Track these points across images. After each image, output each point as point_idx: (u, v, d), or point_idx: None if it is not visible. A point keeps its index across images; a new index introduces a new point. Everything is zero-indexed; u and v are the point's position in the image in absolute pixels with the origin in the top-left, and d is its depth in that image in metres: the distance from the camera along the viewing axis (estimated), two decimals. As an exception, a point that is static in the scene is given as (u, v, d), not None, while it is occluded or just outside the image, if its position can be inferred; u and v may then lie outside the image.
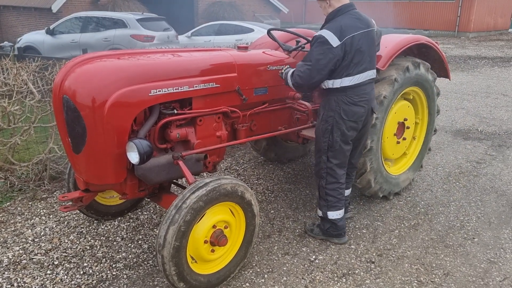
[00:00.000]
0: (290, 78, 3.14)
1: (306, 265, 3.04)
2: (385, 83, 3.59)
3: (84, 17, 12.01)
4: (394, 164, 4.23)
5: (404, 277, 2.93)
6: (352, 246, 3.30)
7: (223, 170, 4.81)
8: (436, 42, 4.11)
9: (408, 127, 4.05)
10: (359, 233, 3.48)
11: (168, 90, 2.75)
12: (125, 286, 2.81)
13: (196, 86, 2.91)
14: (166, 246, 2.40)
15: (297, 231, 3.50)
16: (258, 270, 2.99)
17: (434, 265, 3.07)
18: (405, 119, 3.98)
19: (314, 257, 3.15)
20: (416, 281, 2.89)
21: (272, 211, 3.83)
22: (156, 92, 2.69)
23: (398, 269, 3.02)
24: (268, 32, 3.87)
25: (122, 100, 2.53)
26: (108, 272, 2.95)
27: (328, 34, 2.91)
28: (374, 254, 3.20)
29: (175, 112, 2.87)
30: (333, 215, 3.24)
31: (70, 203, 2.97)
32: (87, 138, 2.53)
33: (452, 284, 2.86)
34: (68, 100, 2.51)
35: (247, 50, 3.52)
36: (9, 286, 2.78)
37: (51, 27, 12.12)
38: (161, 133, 2.89)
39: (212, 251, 2.69)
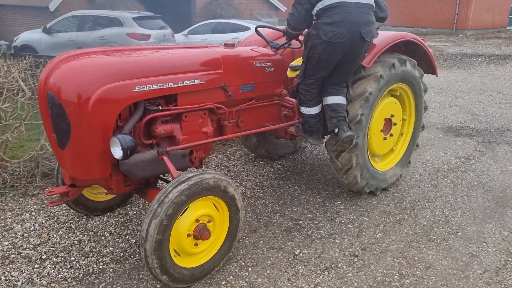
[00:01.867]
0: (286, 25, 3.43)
1: (290, 259, 3.09)
2: (371, 80, 3.63)
3: (81, 16, 12.06)
4: (382, 160, 4.28)
5: (386, 270, 2.98)
6: (337, 241, 3.34)
7: (214, 166, 4.85)
8: (423, 39, 4.16)
9: (395, 124, 4.09)
10: (344, 228, 3.53)
11: (152, 87, 2.79)
12: (110, 279, 2.86)
13: (181, 83, 2.95)
14: (149, 239, 2.44)
15: (283, 226, 3.55)
16: (243, 263, 3.04)
17: (416, 258, 3.12)
18: (392, 116, 4.02)
19: (298, 251, 3.20)
20: (397, 274, 2.93)
21: (259, 207, 3.88)
22: (141, 88, 2.73)
23: (380, 262, 3.07)
24: (256, 30, 3.91)
25: (106, 97, 2.58)
26: (95, 266, 3.00)
27: None
28: (358, 248, 3.24)
29: (160, 108, 2.91)
30: (303, 110, 3.55)
31: (57, 197, 3.01)
32: (72, 134, 2.58)
33: (433, 277, 2.91)
34: (52, 96, 2.55)
35: (234, 47, 3.56)
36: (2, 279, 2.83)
37: (48, 25, 12.16)
38: (146, 129, 2.93)
39: (196, 244, 2.73)
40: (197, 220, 2.70)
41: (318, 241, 3.34)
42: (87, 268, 2.97)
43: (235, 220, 2.91)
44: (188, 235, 2.67)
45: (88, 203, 3.54)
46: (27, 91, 4.05)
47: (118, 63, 2.71)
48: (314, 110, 3.57)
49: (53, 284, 2.80)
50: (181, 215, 2.60)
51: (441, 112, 7.28)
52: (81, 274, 2.91)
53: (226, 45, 3.55)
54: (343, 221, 3.63)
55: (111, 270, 2.96)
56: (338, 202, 3.98)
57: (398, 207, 3.89)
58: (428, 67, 4.36)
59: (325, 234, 3.43)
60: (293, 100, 3.69)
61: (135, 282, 2.83)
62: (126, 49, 2.99)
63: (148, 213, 2.47)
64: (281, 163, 4.94)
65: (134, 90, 2.70)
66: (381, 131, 3.98)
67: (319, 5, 3.19)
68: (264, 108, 3.72)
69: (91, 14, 12.08)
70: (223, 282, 2.83)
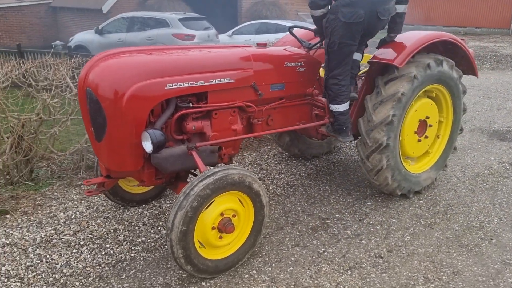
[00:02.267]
0: None
1: (314, 257, 3.12)
2: (404, 80, 3.58)
3: (130, 17, 12.58)
4: (416, 162, 4.19)
5: (411, 273, 2.94)
6: (363, 241, 3.33)
7: (247, 164, 4.94)
8: (462, 39, 4.03)
9: (430, 126, 3.99)
10: (372, 229, 3.50)
11: (183, 85, 2.92)
12: (140, 266, 3.02)
13: (211, 81, 3.06)
14: (174, 230, 2.57)
15: (311, 224, 3.58)
16: (267, 259, 3.10)
17: (444, 263, 3.05)
18: (427, 117, 3.94)
19: (323, 249, 3.21)
20: (422, 278, 2.89)
21: (288, 205, 3.92)
22: (172, 86, 2.86)
23: (406, 265, 3.03)
24: (289, 30, 3.97)
25: (139, 93, 2.73)
26: (127, 253, 3.17)
27: None
28: (384, 249, 3.22)
29: (191, 105, 3.03)
30: (332, 107, 3.57)
31: (95, 187, 3.22)
32: (107, 128, 2.75)
33: (460, 283, 2.83)
34: (91, 92, 2.73)
35: (265, 47, 3.63)
36: (39, 261, 3.06)
37: (100, 27, 12.79)
38: (177, 125, 3.07)
39: (220, 237, 2.83)
40: (221, 214, 2.79)
41: (344, 240, 3.34)
42: (119, 255, 3.15)
43: (260, 216, 2.98)
44: (213, 228, 2.77)
45: (125, 195, 3.73)
46: (73, 87, 4.32)
47: (152, 61, 2.86)
48: (343, 107, 3.58)
49: (88, 268, 3.00)
50: (206, 208, 2.70)
51: (488, 115, 6.98)
52: (114, 261, 3.09)
53: (258, 45, 3.63)
54: (371, 223, 3.61)
55: (141, 258, 3.12)
56: (368, 203, 3.94)
57: (431, 211, 3.80)
58: (468, 68, 4.21)
59: (352, 235, 3.42)
60: (324, 99, 3.71)
61: (162, 271, 2.96)
62: (161, 49, 3.14)
63: (175, 205, 2.60)
64: (314, 163, 4.95)
65: (166, 88, 2.83)
66: (415, 132, 3.91)
67: None
68: (295, 107, 3.76)
69: (139, 15, 12.60)
70: (246, 276, 2.91)
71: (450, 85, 3.97)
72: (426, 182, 4.13)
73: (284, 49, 3.69)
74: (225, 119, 3.24)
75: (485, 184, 4.36)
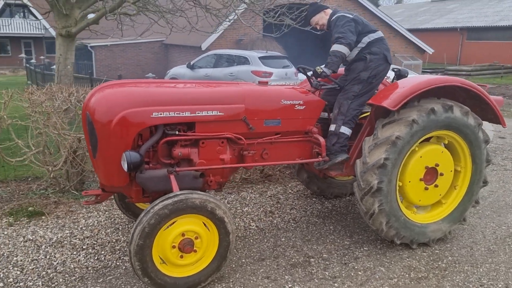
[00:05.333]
0: (338, 47, 3.72)
1: (276, 291, 3.14)
2: (402, 124, 3.49)
3: (218, 54, 13.65)
4: (427, 212, 3.94)
5: (367, 323, 2.80)
6: (336, 285, 3.24)
7: (267, 196, 5.07)
8: (484, 85, 3.78)
9: (441, 174, 3.76)
10: (352, 274, 3.38)
11: (169, 114, 3.26)
12: (118, 274, 3.34)
13: (198, 113, 3.36)
14: (133, 243, 2.84)
15: (293, 260, 3.58)
16: (231, 286, 3.20)
17: (409, 319, 2.84)
18: (437, 165, 3.72)
19: (290, 285, 3.21)
20: (375, 330, 2.73)
21: (283, 239, 3.96)
22: (158, 114, 3.22)
23: (366, 314, 2.89)
24: (298, 68, 4.13)
25: (126, 119, 3.13)
26: (115, 261, 3.52)
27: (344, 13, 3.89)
28: (353, 296, 3.10)
29: (176, 133, 3.35)
30: (344, 130, 3.84)
31: (93, 198, 3.67)
32: (98, 147, 3.19)
33: None
34: (88, 116, 3.21)
35: (266, 84, 3.84)
36: (43, 257, 3.56)
37: (192, 62, 14.07)
38: (166, 150, 3.40)
39: (181, 257, 3.03)
40: (183, 235, 3.00)
41: (316, 281, 3.29)
42: (107, 262, 3.51)
43: (225, 242, 3.12)
44: (173, 247, 2.98)
45: (136, 210, 4.13)
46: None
47: (141, 92, 3.26)
48: (349, 132, 3.87)
49: (76, 269, 3.41)
50: (167, 228, 2.94)
51: None
52: (100, 266, 3.46)
53: (260, 82, 3.86)
54: (355, 267, 3.48)
55: (124, 267, 3.44)
56: (365, 248, 3.80)
57: (429, 265, 3.54)
58: (494, 116, 3.90)
59: (328, 276, 3.35)
60: (322, 139, 3.75)
61: (134, 281, 3.24)
62: (157, 82, 3.55)
63: (137, 220, 2.89)
64: (333, 202, 4.89)
65: (151, 116, 3.20)
66: (421, 179, 3.71)
67: (367, 39, 3.87)
68: (294, 143, 3.86)
69: (225, 53, 13.60)
70: (203, 297, 3.05)
71: (466, 133, 3.72)
72: (435, 234, 3.84)
73: (284, 87, 3.86)
74: (212, 148, 3.49)
75: (512, 246, 3.90)
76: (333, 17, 3.93)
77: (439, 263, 3.58)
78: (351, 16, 3.89)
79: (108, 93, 3.23)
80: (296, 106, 3.76)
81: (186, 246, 2.98)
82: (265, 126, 3.67)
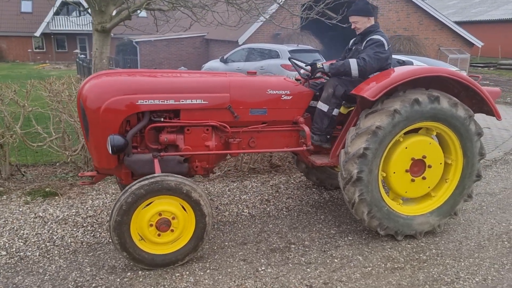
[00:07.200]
0: (353, 65, 3.70)
1: (248, 273, 3.26)
2: (383, 114, 3.49)
3: (250, 48, 13.80)
4: (415, 204, 3.90)
5: (326, 306, 2.87)
6: (308, 269, 3.32)
7: (269, 185, 5.18)
8: (477, 76, 3.68)
9: (429, 166, 3.71)
10: (328, 261, 3.45)
11: (154, 102, 3.47)
12: (107, 250, 3.60)
13: (182, 101, 3.54)
14: (112, 218, 3.09)
15: (274, 245, 3.69)
16: (207, 265, 3.37)
17: (370, 306, 2.87)
18: (424, 157, 3.68)
19: (263, 268, 3.33)
20: (332, 313, 2.80)
21: (270, 225, 4.08)
22: (143, 102, 3.44)
23: (328, 298, 2.95)
24: (289, 59, 4.21)
25: (112, 106, 3.37)
26: (108, 239, 3.80)
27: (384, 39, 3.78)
28: (321, 281, 3.16)
29: (161, 120, 3.55)
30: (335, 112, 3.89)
31: (89, 179, 3.96)
32: (89, 132, 3.46)
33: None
34: (81, 103, 3.49)
35: (255, 75, 3.95)
36: (46, 232, 3.90)
37: (225, 56, 14.33)
38: (153, 135, 3.61)
39: (159, 235, 3.23)
40: (160, 214, 3.20)
41: (290, 265, 3.38)
42: (101, 239, 3.79)
43: (201, 224, 3.29)
44: (151, 225, 3.19)
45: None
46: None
47: (127, 81, 3.49)
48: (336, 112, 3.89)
49: (72, 244, 3.71)
50: (145, 207, 3.16)
51: None
52: (94, 242, 3.74)
53: (248, 73, 3.98)
54: (333, 255, 3.54)
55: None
56: (349, 238, 3.84)
57: (408, 257, 3.52)
58: (489, 108, 3.78)
59: (304, 262, 3.43)
60: (306, 127, 3.82)
61: (120, 257, 3.49)
62: (144, 71, 3.76)
63: (117, 198, 3.12)
64: (333, 193, 4.93)
65: (137, 103, 3.42)
66: (407, 171, 3.69)
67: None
68: (281, 132, 3.95)
69: (257, 47, 13.71)
70: (177, 274, 3.24)
71: (455, 125, 3.65)
72: (422, 227, 3.80)
73: (271, 77, 3.95)
74: (197, 135, 3.66)
75: (506, 243, 3.77)
76: (374, 34, 3.81)
77: (421, 255, 3.56)
78: (388, 46, 3.79)
79: (98, 81, 3.48)
80: (282, 96, 3.85)
81: (162, 225, 3.18)
82: (250, 115, 3.79)
